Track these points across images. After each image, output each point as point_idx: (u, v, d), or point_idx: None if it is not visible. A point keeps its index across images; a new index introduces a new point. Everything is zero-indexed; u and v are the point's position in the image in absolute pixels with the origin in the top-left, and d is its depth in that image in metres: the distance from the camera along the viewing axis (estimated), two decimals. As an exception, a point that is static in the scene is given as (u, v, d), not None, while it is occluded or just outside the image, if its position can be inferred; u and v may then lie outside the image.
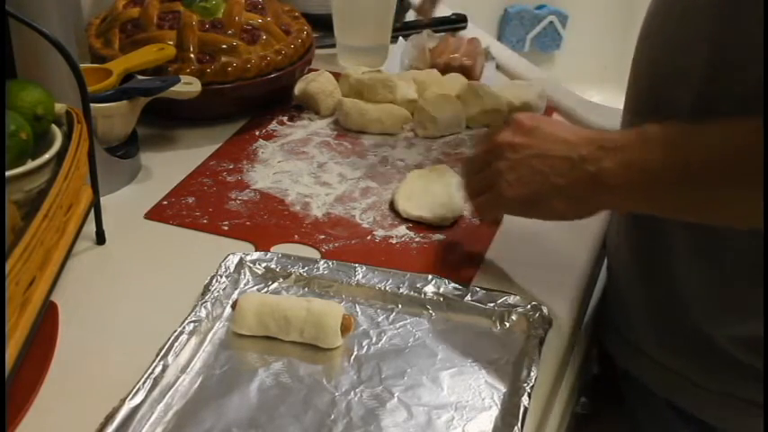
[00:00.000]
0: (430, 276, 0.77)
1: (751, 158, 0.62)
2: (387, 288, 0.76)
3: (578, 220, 0.74)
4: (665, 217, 0.74)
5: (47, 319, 0.71)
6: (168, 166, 0.96)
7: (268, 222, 0.87)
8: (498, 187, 0.74)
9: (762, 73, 0.63)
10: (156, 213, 0.88)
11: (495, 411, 0.65)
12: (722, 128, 0.65)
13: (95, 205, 0.82)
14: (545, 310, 0.74)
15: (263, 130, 1.04)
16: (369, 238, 0.85)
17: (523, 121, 0.75)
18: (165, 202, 0.90)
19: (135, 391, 0.64)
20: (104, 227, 0.83)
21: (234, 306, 0.72)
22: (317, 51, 1.15)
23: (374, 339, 0.72)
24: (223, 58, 1.01)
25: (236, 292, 0.76)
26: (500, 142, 0.75)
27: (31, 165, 0.74)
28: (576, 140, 0.71)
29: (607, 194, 0.69)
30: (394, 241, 0.85)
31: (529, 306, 0.74)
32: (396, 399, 0.66)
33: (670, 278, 0.77)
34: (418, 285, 0.76)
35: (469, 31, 1.34)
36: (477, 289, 0.76)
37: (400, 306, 0.76)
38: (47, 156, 0.75)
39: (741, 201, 0.64)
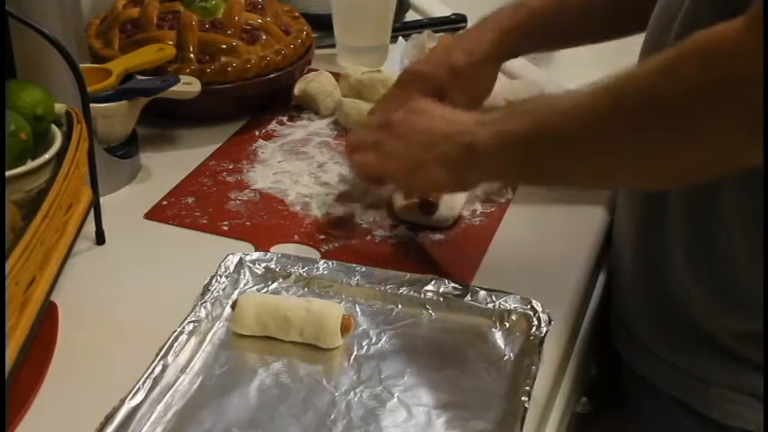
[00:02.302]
0: (430, 276, 0.77)
1: (588, 120, 0.65)
2: (387, 288, 0.76)
3: (457, 191, 0.82)
4: (536, 185, 0.81)
5: (47, 319, 0.71)
6: (168, 166, 0.96)
7: (268, 222, 0.87)
8: (381, 152, 0.79)
9: None
10: (156, 213, 0.88)
11: (495, 411, 0.65)
12: (580, 89, 0.67)
13: (95, 205, 0.82)
14: (545, 310, 0.74)
15: (263, 130, 1.04)
16: (369, 238, 0.85)
17: (418, 103, 0.81)
18: (165, 202, 0.90)
19: (135, 391, 0.64)
20: (104, 227, 0.83)
21: (234, 306, 0.72)
22: (317, 51, 1.15)
23: (374, 339, 0.72)
24: (223, 58, 1.01)
25: (236, 292, 0.76)
26: (393, 117, 0.81)
27: (31, 165, 0.74)
28: (459, 119, 0.76)
29: (479, 162, 0.73)
30: (394, 241, 0.85)
31: (529, 306, 0.74)
32: (396, 399, 0.66)
33: (669, 279, 0.78)
34: (418, 285, 0.76)
35: (469, 31, 1.34)
36: (477, 289, 0.76)
37: (400, 306, 0.76)
38: (47, 156, 0.75)
39: (585, 162, 0.68)
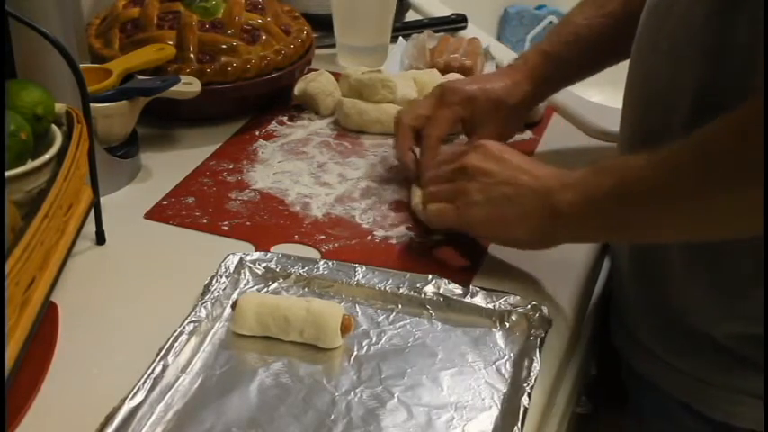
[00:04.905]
0: (430, 276, 0.77)
1: (675, 177, 0.66)
2: (387, 288, 0.76)
3: (535, 249, 0.78)
4: (622, 243, 0.79)
5: (47, 319, 0.71)
6: (168, 166, 0.96)
7: (268, 222, 0.87)
8: (461, 203, 0.78)
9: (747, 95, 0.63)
10: (156, 213, 0.88)
11: (495, 411, 0.65)
12: (657, 151, 0.68)
13: (95, 205, 0.82)
14: (545, 310, 0.74)
15: (263, 130, 1.04)
16: (369, 238, 0.85)
17: (491, 147, 0.80)
18: (165, 202, 0.90)
19: (135, 391, 0.64)
20: (104, 227, 0.83)
21: (234, 306, 0.72)
22: (317, 51, 1.15)
23: (374, 339, 0.72)
24: (223, 58, 1.01)
25: (236, 292, 0.76)
26: (471, 164, 0.79)
27: (31, 165, 0.74)
28: (541, 174, 0.76)
29: (564, 226, 0.74)
30: (394, 241, 0.85)
31: (529, 306, 0.74)
32: (396, 399, 0.66)
33: (666, 286, 0.78)
34: (418, 285, 0.76)
35: (469, 31, 1.34)
36: (477, 289, 0.76)
37: (400, 306, 0.76)
38: (47, 156, 0.75)
39: (673, 217, 0.68)
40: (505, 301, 0.75)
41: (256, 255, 0.80)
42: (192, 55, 1.01)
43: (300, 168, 0.97)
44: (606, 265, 0.91)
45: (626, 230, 0.73)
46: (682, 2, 0.72)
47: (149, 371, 0.66)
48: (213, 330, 0.72)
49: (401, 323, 0.74)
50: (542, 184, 0.75)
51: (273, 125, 1.06)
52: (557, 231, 0.75)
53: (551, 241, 0.77)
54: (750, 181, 0.61)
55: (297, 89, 1.09)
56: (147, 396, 0.64)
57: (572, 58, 0.93)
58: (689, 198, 0.66)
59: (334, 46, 1.22)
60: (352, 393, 0.66)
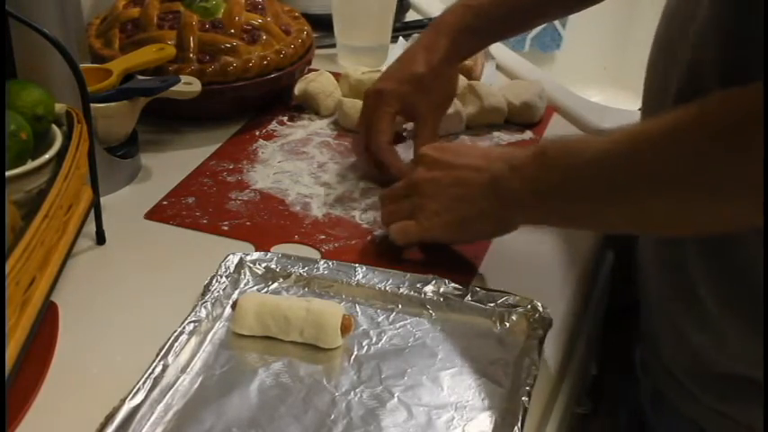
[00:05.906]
0: (430, 276, 0.77)
1: (614, 169, 0.66)
2: (387, 288, 0.76)
3: (500, 236, 0.79)
4: (572, 228, 0.80)
5: (47, 319, 0.71)
6: (168, 166, 0.96)
7: (268, 222, 0.87)
8: (421, 218, 0.79)
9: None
10: (156, 213, 0.88)
11: (495, 411, 0.65)
12: (603, 138, 0.68)
13: (95, 205, 0.82)
14: (545, 310, 0.74)
15: (263, 130, 1.04)
16: (369, 238, 0.85)
17: (431, 154, 0.81)
18: (165, 203, 0.90)
19: (135, 391, 0.64)
20: (104, 227, 0.83)
21: (234, 306, 0.72)
22: (317, 51, 1.15)
23: (374, 339, 0.72)
24: (223, 58, 1.01)
25: (236, 292, 0.76)
26: (417, 178, 0.80)
27: (31, 165, 0.74)
28: (485, 164, 0.76)
29: (521, 212, 0.75)
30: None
31: (529, 306, 0.74)
32: (396, 399, 0.66)
33: (704, 337, 0.76)
34: (418, 285, 0.76)
35: (469, 31, 1.34)
36: (477, 289, 0.76)
37: (400, 306, 0.76)
38: (47, 156, 0.75)
39: (614, 212, 0.69)
40: (505, 301, 0.75)
41: (256, 255, 0.80)
42: (192, 55, 1.01)
43: (300, 168, 0.97)
44: (606, 264, 0.91)
45: (574, 221, 0.75)
46: (706, 10, 0.70)
47: (149, 371, 0.66)
48: (213, 330, 0.72)
49: (401, 323, 0.74)
50: (489, 175, 0.75)
51: (273, 125, 1.06)
52: (513, 218, 0.76)
53: (512, 226, 0.77)
54: (666, 183, 0.62)
55: (297, 89, 1.09)
56: (147, 396, 0.64)
57: (497, 13, 0.94)
58: (627, 198, 0.66)
59: (334, 46, 1.22)
60: (352, 393, 0.66)
